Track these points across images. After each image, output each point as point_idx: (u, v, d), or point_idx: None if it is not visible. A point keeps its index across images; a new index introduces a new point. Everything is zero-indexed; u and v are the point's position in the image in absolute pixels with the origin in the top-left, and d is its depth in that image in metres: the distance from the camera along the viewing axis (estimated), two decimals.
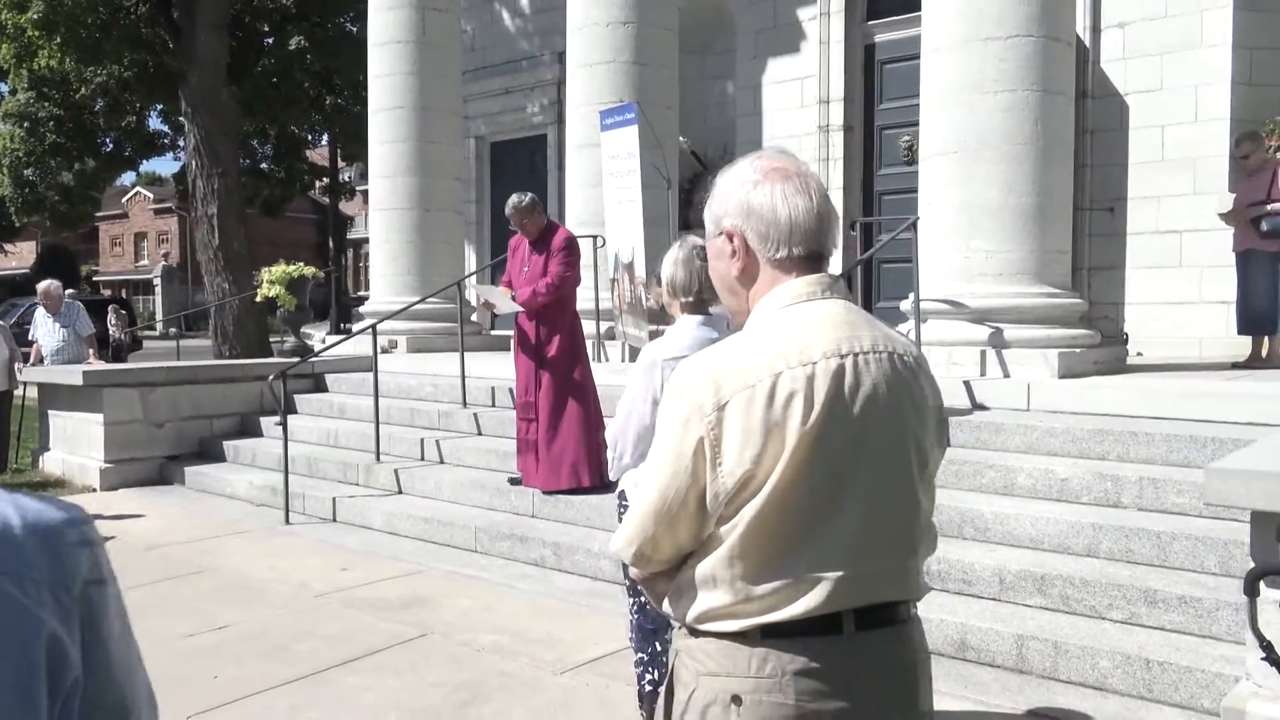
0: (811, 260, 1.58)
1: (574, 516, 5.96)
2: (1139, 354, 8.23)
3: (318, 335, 18.80)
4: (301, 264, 9.91)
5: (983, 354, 6.48)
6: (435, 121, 10.41)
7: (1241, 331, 7.40)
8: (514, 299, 6.00)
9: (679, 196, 9.21)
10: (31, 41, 16.08)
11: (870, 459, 1.48)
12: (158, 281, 43.83)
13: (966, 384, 6.19)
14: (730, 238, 1.60)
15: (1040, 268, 6.67)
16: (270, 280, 9.50)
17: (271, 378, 6.96)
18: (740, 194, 1.61)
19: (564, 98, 13.42)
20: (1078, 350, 6.59)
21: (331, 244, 22.51)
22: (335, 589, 5.31)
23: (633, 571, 1.63)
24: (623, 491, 3.25)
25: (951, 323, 6.63)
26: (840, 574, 1.46)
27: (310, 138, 22.22)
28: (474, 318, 6.25)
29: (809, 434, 1.43)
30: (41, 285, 9.01)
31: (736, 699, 1.49)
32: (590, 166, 8.70)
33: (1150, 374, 6.54)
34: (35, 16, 15.29)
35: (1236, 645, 3.73)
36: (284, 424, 6.85)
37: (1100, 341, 6.94)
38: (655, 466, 1.51)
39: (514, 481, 6.35)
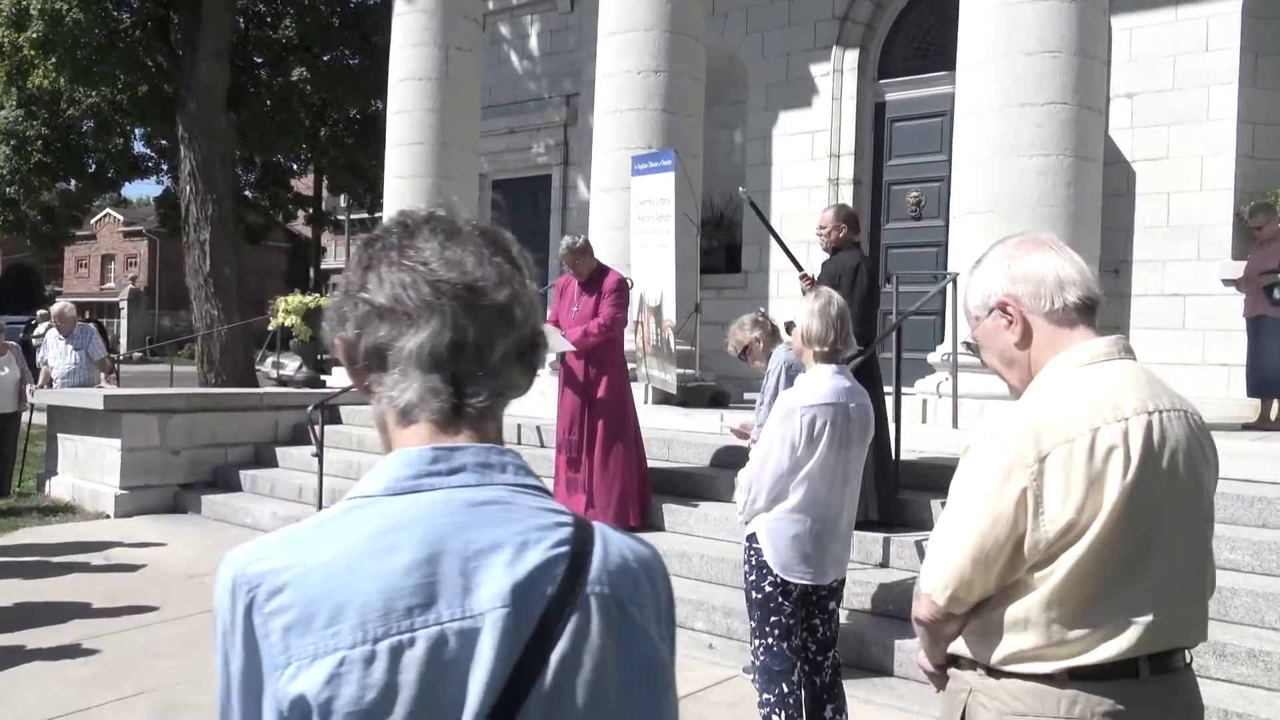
0: (1085, 308, 1.69)
1: None
2: None
3: (290, 365, 18.66)
4: (318, 295, 9.88)
5: None
6: (454, 158, 10.50)
7: (1252, 394, 7.65)
8: (564, 338, 6.06)
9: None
10: (25, 60, 15.96)
11: (1176, 510, 1.58)
12: (124, 305, 43.17)
13: None
14: (1004, 308, 1.71)
15: None
16: (287, 310, 9.46)
17: (311, 408, 6.94)
18: (1002, 269, 1.72)
19: (570, 139, 13.63)
20: None
21: (312, 274, 22.36)
22: None
23: (919, 613, 1.70)
24: (753, 535, 3.30)
25: (983, 377, 6.79)
26: (1150, 619, 1.55)
27: (295, 167, 22.16)
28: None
29: (1128, 486, 1.53)
30: (55, 307, 8.89)
31: None
32: (615, 209, 8.81)
33: None
34: (34, 35, 15.18)
35: None
36: (320, 455, 6.82)
37: None
38: (970, 514, 1.59)
39: None
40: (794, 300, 11.45)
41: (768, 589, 3.22)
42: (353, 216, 31.50)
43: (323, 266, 39.28)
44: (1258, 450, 5.59)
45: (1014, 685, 1.60)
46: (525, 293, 0.98)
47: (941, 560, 1.62)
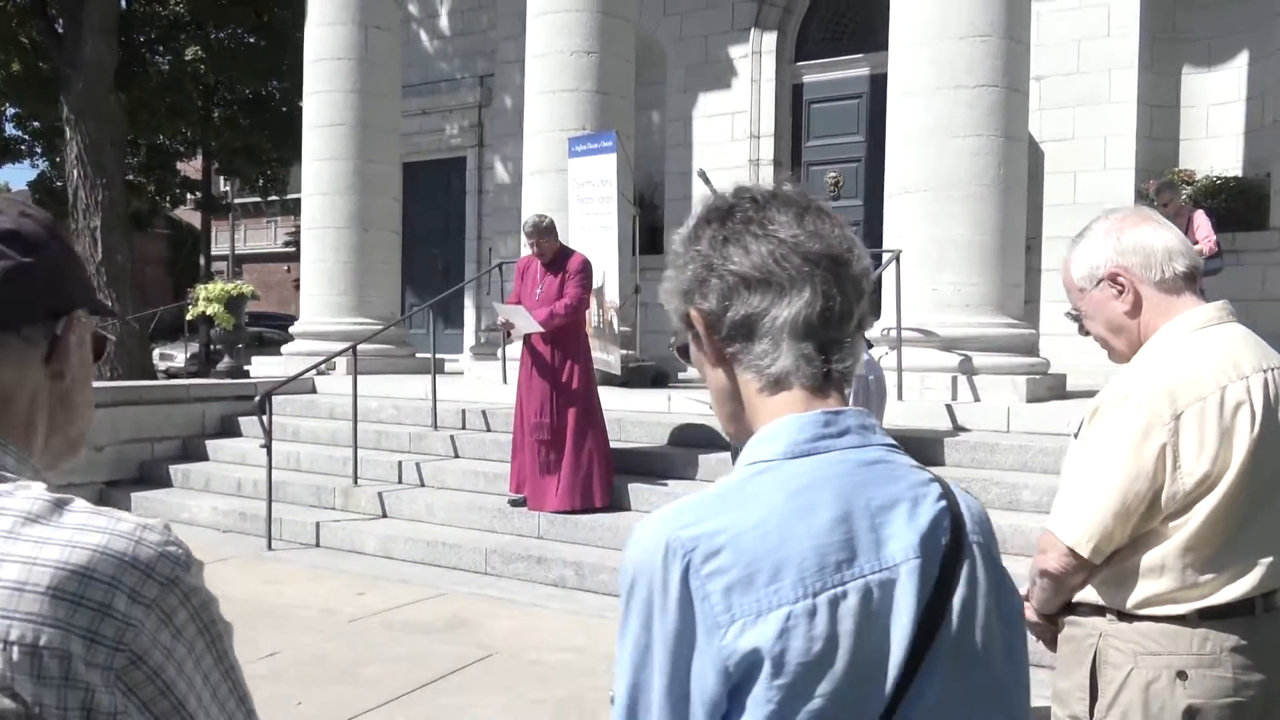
0: (1190, 277, 1.83)
1: (586, 537, 6.03)
2: None
3: (179, 356, 17.97)
4: (240, 282, 9.56)
5: (954, 379, 6.93)
6: (375, 140, 10.27)
7: None
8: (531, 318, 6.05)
9: None
10: None
11: None
12: None
13: (948, 407, 6.62)
14: (1114, 278, 1.83)
15: (1002, 299, 7.21)
16: (207, 298, 9.12)
17: (258, 397, 6.74)
18: (1110, 242, 1.84)
19: (485, 121, 13.47)
20: (1037, 376, 7.15)
21: (203, 261, 21.53)
22: (367, 613, 5.21)
23: (1049, 565, 1.80)
24: None
25: (923, 350, 7.05)
26: (1271, 560, 1.70)
27: (183, 150, 21.27)
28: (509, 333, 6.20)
29: (1255, 439, 1.67)
30: None
31: (1182, 674, 1.70)
32: (550, 191, 8.77)
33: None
34: None
35: None
36: (269, 446, 6.64)
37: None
38: (1112, 470, 1.71)
39: (515, 503, 6.37)
40: None
41: None
42: (240, 201, 30.41)
43: (212, 252, 37.81)
44: None
45: (1147, 627, 1.73)
46: (870, 263, 1.03)
47: (1083, 514, 1.73)
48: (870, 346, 3.20)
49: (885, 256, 7.20)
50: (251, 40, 16.46)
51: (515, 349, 8.69)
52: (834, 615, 0.88)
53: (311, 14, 10.33)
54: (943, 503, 0.96)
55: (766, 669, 0.86)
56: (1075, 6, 9.61)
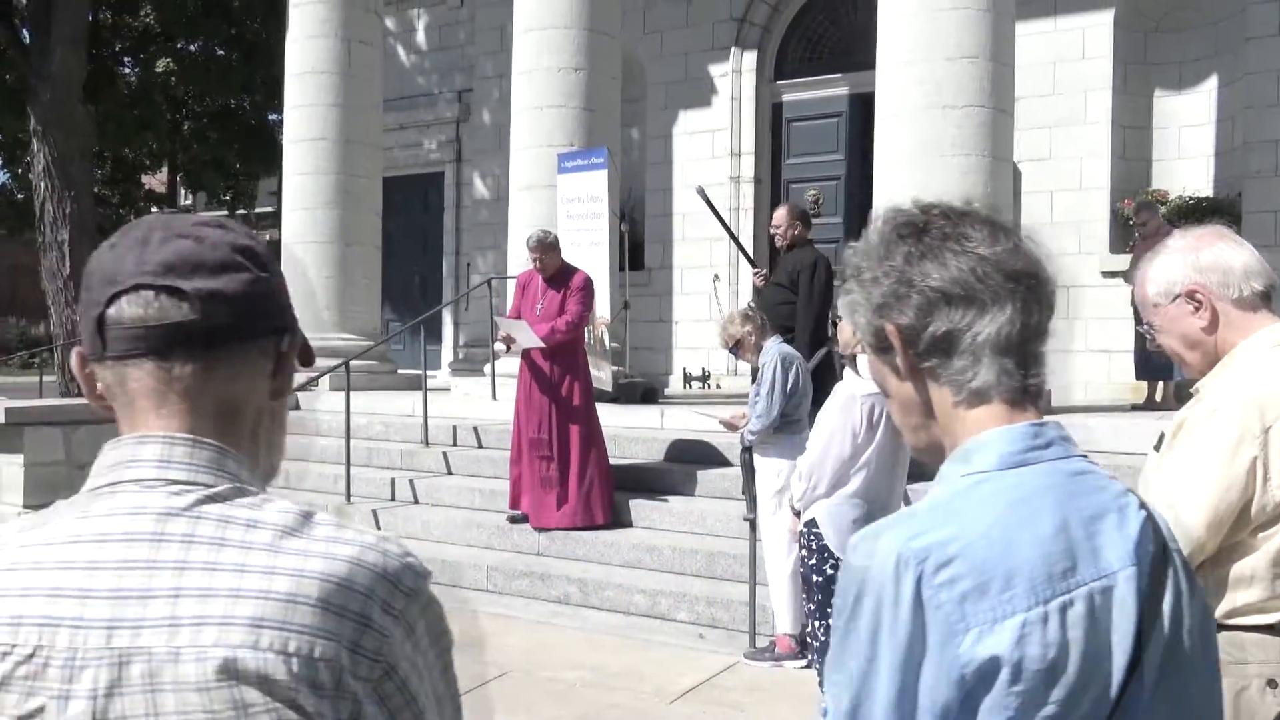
0: (1266, 295, 1.89)
1: (587, 554, 6.02)
2: None
3: None
4: None
5: None
6: (358, 155, 10.22)
7: (1140, 377, 8.31)
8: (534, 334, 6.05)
9: None
10: None
11: None
12: None
13: None
14: (1193, 295, 1.89)
15: None
16: None
17: None
18: (1188, 259, 1.91)
19: (463, 136, 13.45)
20: None
21: None
22: None
23: None
24: (812, 520, 3.43)
25: None
26: None
27: (149, 162, 20.97)
28: (499, 348, 6.16)
29: None
30: None
31: (1272, 683, 1.75)
32: (537, 207, 8.78)
33: (1083, 414, 7.28)
34: None
35: None
36: None
37: None
38: (1203, 483, 1.76)
39: (515, 520, 6.35)
40: (696, 296, 11.66)
41: (829, 571, 3.36)
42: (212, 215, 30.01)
43: None
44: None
45: (1235, 636, 1.78)
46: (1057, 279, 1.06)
47: (1174, 527, 1.78)
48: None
49: None
50: (222, 53, 16.29)
51: (504, 364, 8.69)
52: (1064, 622, 0.91)
53: (293, 28, 10.28)
54: (1144, 512, 1.00)
55: (1004, 676, 0.89)
56: (1051, 30, 9.82)
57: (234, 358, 0.89)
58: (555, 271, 6.15)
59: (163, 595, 0.78)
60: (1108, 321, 9.40)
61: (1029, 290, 1.01)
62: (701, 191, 6.34)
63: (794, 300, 5.75)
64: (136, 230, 0.92)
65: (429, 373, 12.46)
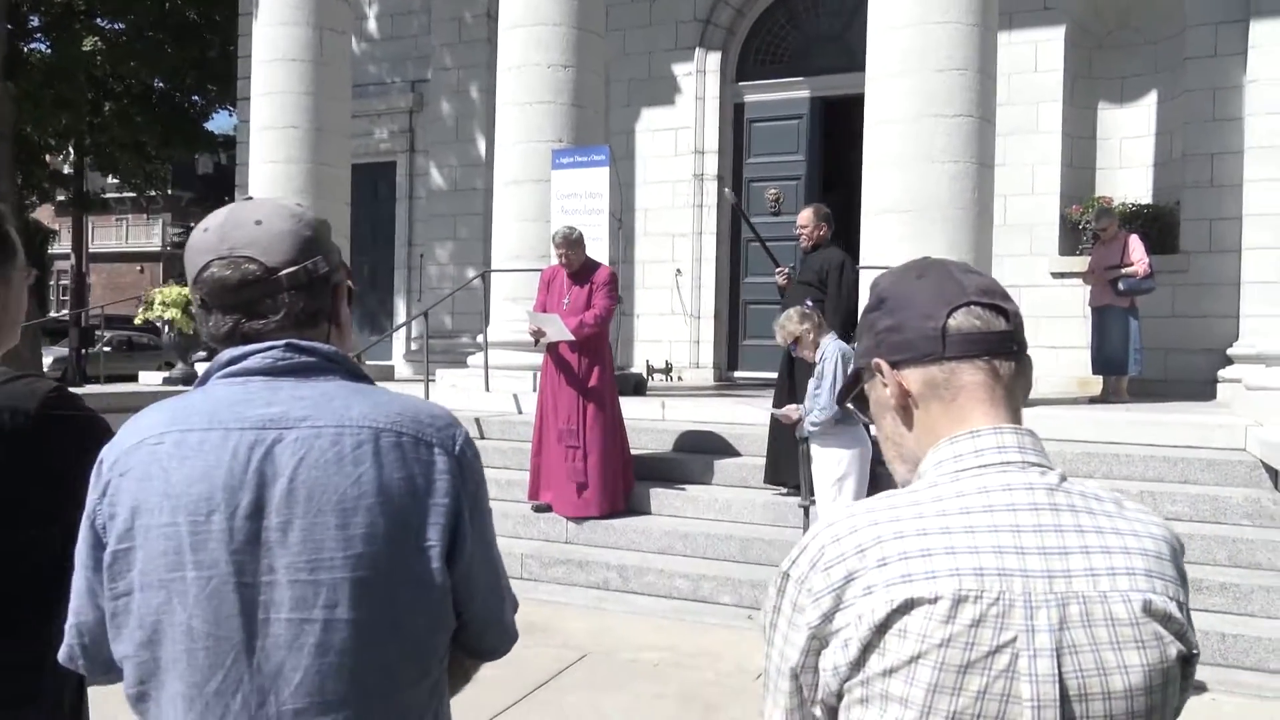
0: None
1: (617, 541, 6.19)
2: None
3: (48, 359, 17.00)
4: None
5: None
6: (329, 143, 10.11)
7: (1097, 372, 8.89)
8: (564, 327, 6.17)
9: None
10: None
11: None
12: None
13: None
14: None
15: None
16: (164, 302, 8.76)
17: None
18: None
19: (416, 126, 13.36)
20: None
21: (74, 260, 20.36)
22: None
23: None
24: None
25: None
26: None
27: (54, 143, 20.10)
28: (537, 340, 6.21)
29: None
30: None
31: None
32: (527, 202, 8.87)
33: (1055, 406, 7.78)
34: None
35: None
36: None
37: None
38: None
39: (540, 509, 6.46)
40: (658, 291, 11.87)
41: None
42: (116, 197, 28.81)
43: (51, 251, 35.55)
44: (1141, 419, 6.65)
45: None
46: None
47: None
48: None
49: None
50: (150, 34, 15.75)
51: (497, 357, 8.76)
52: None
53: (262, 14, 10.08)
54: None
55: None
56: (1006, 43, 10.31)
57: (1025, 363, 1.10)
58: (580, 267, 6.28)
59: (1075, 551, 0.97)
60: (1056, 320, 9.98)
61: None
62: (730, 195, 6.54)
63: (823, 299, 6.02)
64: (942, 265, 1.11)
65: (383, 362, 12.39)
